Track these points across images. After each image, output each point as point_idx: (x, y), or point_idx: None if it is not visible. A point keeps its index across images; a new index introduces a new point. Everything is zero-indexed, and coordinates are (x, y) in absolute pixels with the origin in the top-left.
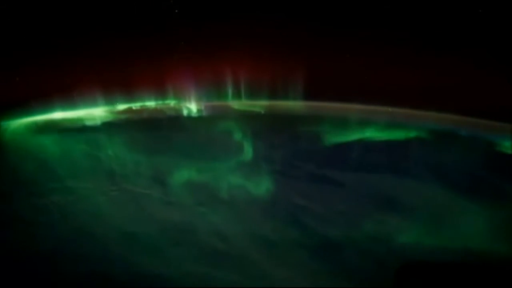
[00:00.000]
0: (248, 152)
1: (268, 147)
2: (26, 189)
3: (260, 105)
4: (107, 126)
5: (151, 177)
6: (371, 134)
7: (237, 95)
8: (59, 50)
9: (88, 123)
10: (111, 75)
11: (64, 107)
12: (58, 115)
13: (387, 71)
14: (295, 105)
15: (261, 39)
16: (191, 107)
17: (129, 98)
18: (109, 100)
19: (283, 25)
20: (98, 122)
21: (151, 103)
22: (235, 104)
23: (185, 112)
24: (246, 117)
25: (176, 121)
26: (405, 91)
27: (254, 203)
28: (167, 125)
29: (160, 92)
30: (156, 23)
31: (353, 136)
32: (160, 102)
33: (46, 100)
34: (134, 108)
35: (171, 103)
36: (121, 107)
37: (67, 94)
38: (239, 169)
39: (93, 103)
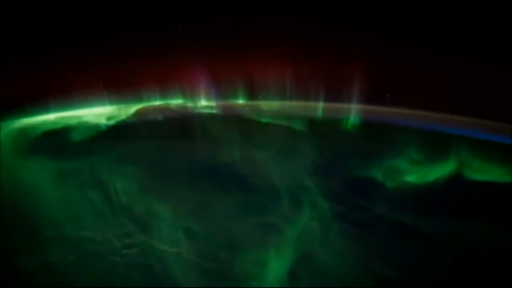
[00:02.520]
0: (294, 182)
1: (316, 174)
2: (11, 241)
3: (298, 110)
4: (116, 135)
5: (176, 225)
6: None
7: (268, 96)
8: (61, 50)
9: (94, 130)
10: (119, 75)
11: (66, 109)
12: (59, 118)
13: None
14: (344, 109)
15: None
16: (213, 110)
17: (139, 98)
18: (116, 101)
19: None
20: (105, 129)
21: (168, 103)
22: (267, 109)
23: (209, 120)
24: (282, 128)
25: (200, 130)
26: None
27: (328, 274)
28: (188, 136)
29: (178, 92)
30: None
31: (429, 160)
32: (178, 102)
33: (48, 101)
34: (145, 109)
35: (190, 104)
36: (131, 108)
37: (70, 95)
38: (289, 212)
39: (97, 104)
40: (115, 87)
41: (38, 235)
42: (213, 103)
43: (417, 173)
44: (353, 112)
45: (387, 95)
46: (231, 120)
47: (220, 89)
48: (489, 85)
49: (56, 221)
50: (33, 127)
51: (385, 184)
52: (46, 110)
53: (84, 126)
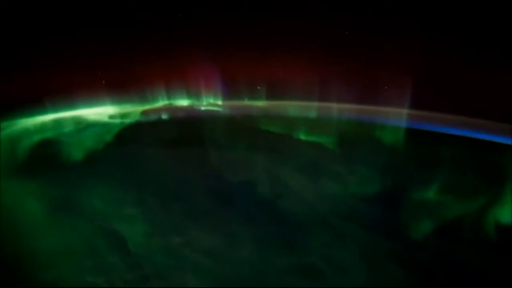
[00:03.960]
0: (330, 208)
1: (354, 197)
2: None
3: (321, 113)
4: (118, 144)
5: (197, 266)
6: None
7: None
8: (63, 48)
9: (94, 138)
10: (123, 74)
11: (66, 109)
12: (58, 121)
13: None
14: (379, 113)
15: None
16: (224, 113)
17: (144, 98)
18: (120, 101)
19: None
20: (107, 137)
21: (177, 104)
22: (286, 111)
23: (221, 125)
24: (306, 136)
25: (212, 138)
26: None
27: None
28: (199, 145)
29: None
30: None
31: None
32: (186, 103)
33: (47, 101)
34: (150, 110)
35: (199, 105)
36: (135, 109)
37: (71, 95)
38: (330, 249)
39: (99, 105)
40: (119, 87)
41: (30, 280)
42: (224, 105)
43: (471, 198)
44: (389, 116)
45: (386, 87)
46: (246, 126)
47: (233, 90)
48: (489, 85)
49: (51, 262)
50: (29, 133)
51: (433, 211)
52: (45, 111)
53: (84, 133)
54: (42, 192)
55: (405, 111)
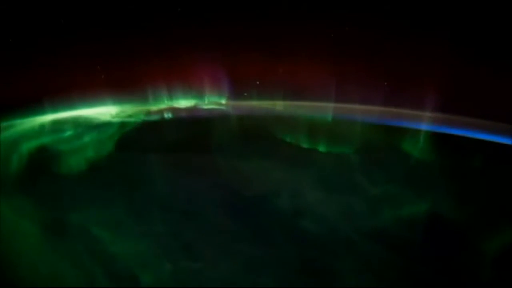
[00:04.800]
0: (358, 230)
1: (381, 218)
2: None
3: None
4: (119, 150)
5: None
6: None
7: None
8: (63, 47)
9: (94, 145)
10: (125, 74)
11: (66, 110)
12: (58, 124)
13: None
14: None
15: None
16: (231, 115)
17: (147, 99)
18: (121, 102)
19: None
20: (107, 143)
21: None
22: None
23: (228, 129)
24: (325, 143)
25: (221, 144)
26: None
27: None
28: (207, 151)
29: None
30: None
31: None
32: (191, 104)
33: (46, 102)
34: (153, 111)
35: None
36: (138, 110)
37: (71, 96)
38: (360, 278)
39: (100, 106)
40: (120, 87)
41: None
42: (230, 105)
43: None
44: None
45: (386, 83)
46: (258, 129)
47: (240, 90)
48: (489, 85)
49: None
50: (26, 136)
51: (472, 232)
52: (43, 111)
53: (84, 138)
54: (37, 209)
55: (423, 114)
